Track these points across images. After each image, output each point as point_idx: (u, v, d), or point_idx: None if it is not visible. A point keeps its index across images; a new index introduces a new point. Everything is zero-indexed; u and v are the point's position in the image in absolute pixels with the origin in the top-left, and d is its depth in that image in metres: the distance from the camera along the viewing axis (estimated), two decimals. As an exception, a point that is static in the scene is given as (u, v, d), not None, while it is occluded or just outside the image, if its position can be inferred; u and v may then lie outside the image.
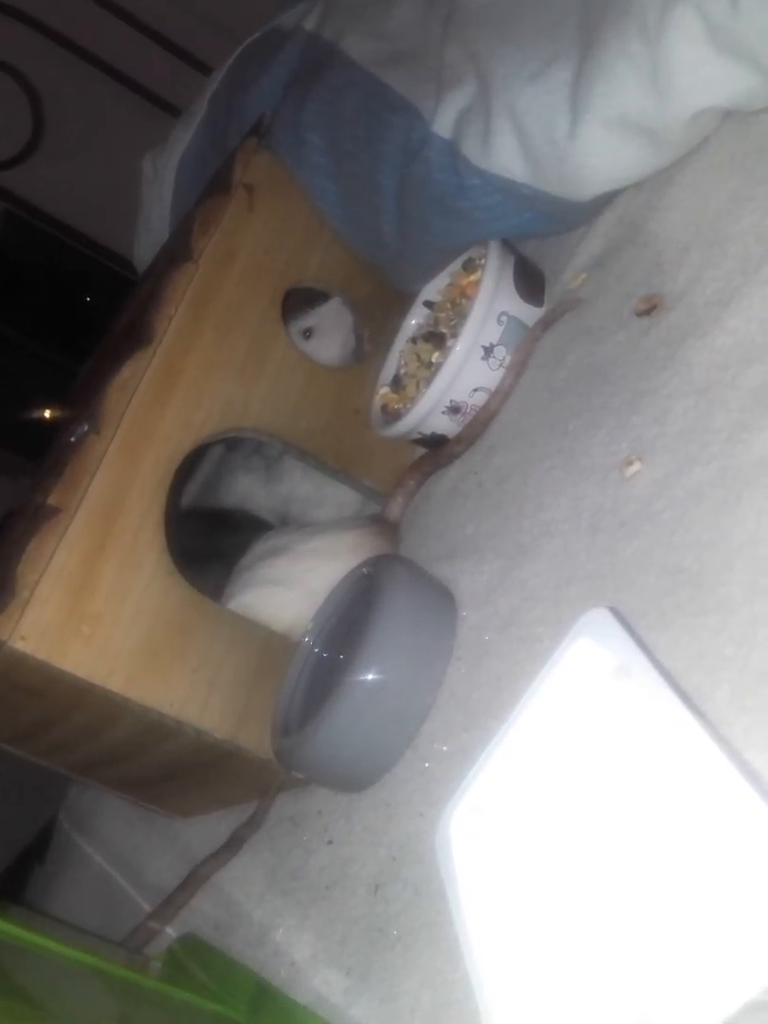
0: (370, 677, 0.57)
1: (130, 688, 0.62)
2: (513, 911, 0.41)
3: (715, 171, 0.60)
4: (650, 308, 0.59)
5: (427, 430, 0.73)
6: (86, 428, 0.65)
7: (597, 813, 0.40)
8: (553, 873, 0.40)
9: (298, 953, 0.59)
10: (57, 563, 0.61)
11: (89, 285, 1.89)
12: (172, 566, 0.66)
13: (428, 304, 0.77)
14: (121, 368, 0.66)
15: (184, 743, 0.65)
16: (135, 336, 0.68)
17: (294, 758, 0.61)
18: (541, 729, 0.44)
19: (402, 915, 0.53)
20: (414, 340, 0.77)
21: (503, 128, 0.64)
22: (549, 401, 0.65)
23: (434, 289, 0.77)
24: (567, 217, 0.68)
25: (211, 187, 0.77)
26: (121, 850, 0.88)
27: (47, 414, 1.84)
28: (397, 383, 0.77)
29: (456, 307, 0.74)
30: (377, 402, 0.77)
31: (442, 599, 0.62)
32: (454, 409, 0.71)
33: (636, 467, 0.54)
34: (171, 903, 0.71)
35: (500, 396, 0.69)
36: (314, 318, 0.84)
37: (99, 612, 0.62)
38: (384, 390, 0.77)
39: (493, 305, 0.69)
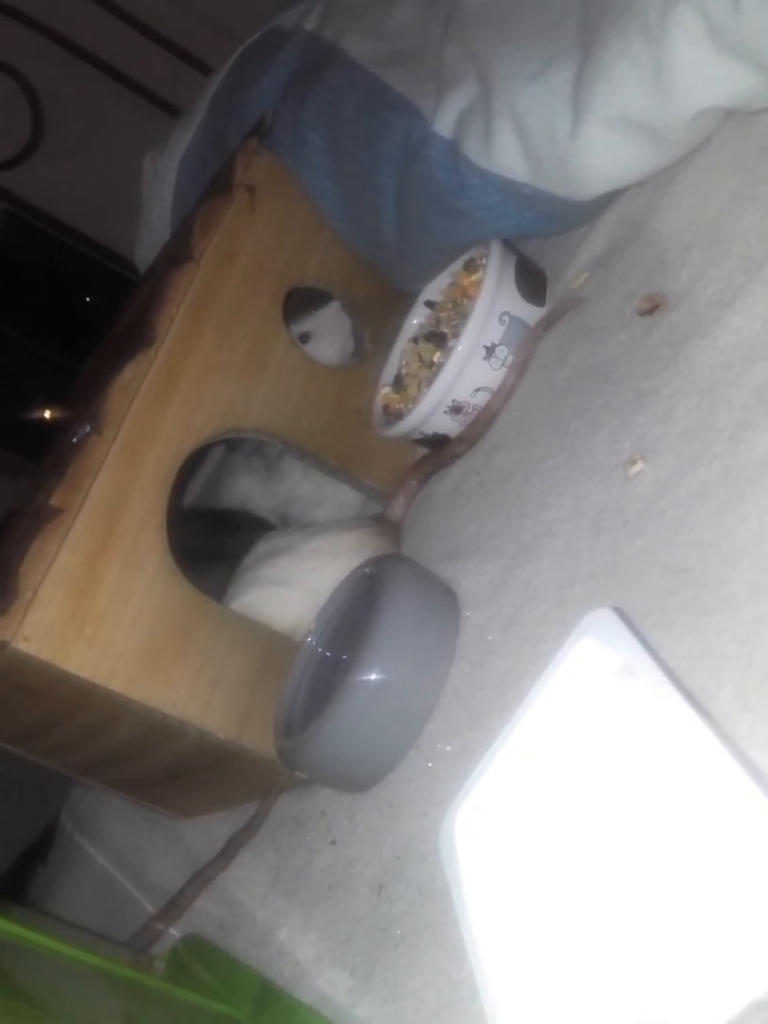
0: (373, 677, 0.57)
1: (133, 689, 0.62)
2: (517, 910, 0.41)
3: (717, 170, 0.60)
4: (652, 307, 0.59)
5: (429, 430, 0.73)
6: (88, 429, 0.65)
7: (601, 812, 0.40)
8: (557, 872, 0.40)
9: (302, 953, 0.59)
10: (59, 564, 0.61)
11: (89, 285, 1.89)
12: (174, 566, 0.66)
13: (429, 304, 0.77)
14: (122, 369, 0.66)
15: (187, 743, 0.65)
16: (136, 337, 0.68)
17: (297, 758, 0.61)
18: (545, 729, 0.44)
19: (406, 915, 0.53)
20: (415, 340, 0.77)
21: (504, 128, 0.64)
22: (551, 401, 0.65)
23: (435, 289, 0.77)
24: (568, 217, 0.68)
25: (212, 187, 0.77)
26: (123, 850, 0.88)
27: (48, 414, 1.84)
28: (398, 383, 0.77)
29: (457, 307, 0.74)
30: (378, 402, 0.77)
31: (445, 599, 0.62)
32: (456, 409, 0.71)
33: (639, 466, 0.54)
34: (175, 904, 0.72)
35: (502, 396, 0.69)
36: (312, 322, 0.84)
37: (102, 613, 0.62)
38: (385, 390, 0.77)
39: (495, 305, 0.69)
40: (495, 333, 0.69)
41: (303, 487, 0.84)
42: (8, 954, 0.60)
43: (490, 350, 0.69)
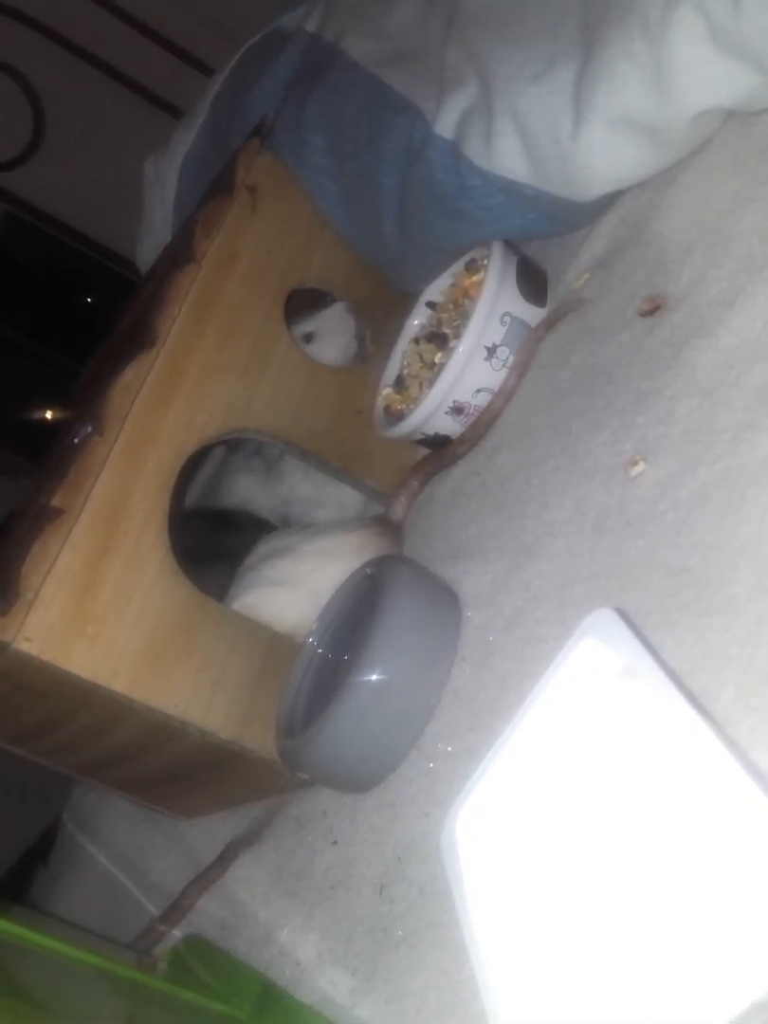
0: (374, 677, 0.57)
1: (134, 689, 0.63)
2: (519, 911, 0.41)
3: (718, 171, 0.60)
4: (654, 308, 0.59)
5: (430, 431, 0.73)
6: (89, 429, 0.65)
7: (603, 813, 0.40)
8: (559, 873, 0.40)
9: (303, 953, 0.59)
10: (61, 564, 0.61)
11: (90, 285, 1.89)
12: (176, 567, 0.66)
13: (430, 305, 0.77)
14: (124, 369, 0.66)
15: (188, 744, 0.65)
16: (138, 337, 0.69)
17: (299, 759, 0.61)
18: (546, 729, 0.44)
19: (407, 915, 0.53)
20: (417, 341, 0.77)
21: (505, 129, 0.64)
22: (553, 401, 0.65)
23: (437, 290, 0.77)
24: (570, 218, 0.68)
25: (213, 188, 0.77)
26: (125, 851, 0.89)
27: (49, 415, 1.84)
28: (400, 384, 0.77)
29: (459, 308, 0.74)
30: (380, 403, 0.77)
31: (446, 599, 0.62)
32: (457, 410, 0.71)
33: (640, 467, 0.54)
34: (178, 906, 0.72)
35: (503, 396, 0.69)
36: (315, 323, 0.84)
37: (103, 613, 0.62)
38: (387, 391, 0.77)
39: (496, 305, 0.69)
40: (496, 334, 0.69)
41: (303, 488, 0.84)
42: (10, 955, 0.60)
43: (491, 351, 0.69)
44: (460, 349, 0.69)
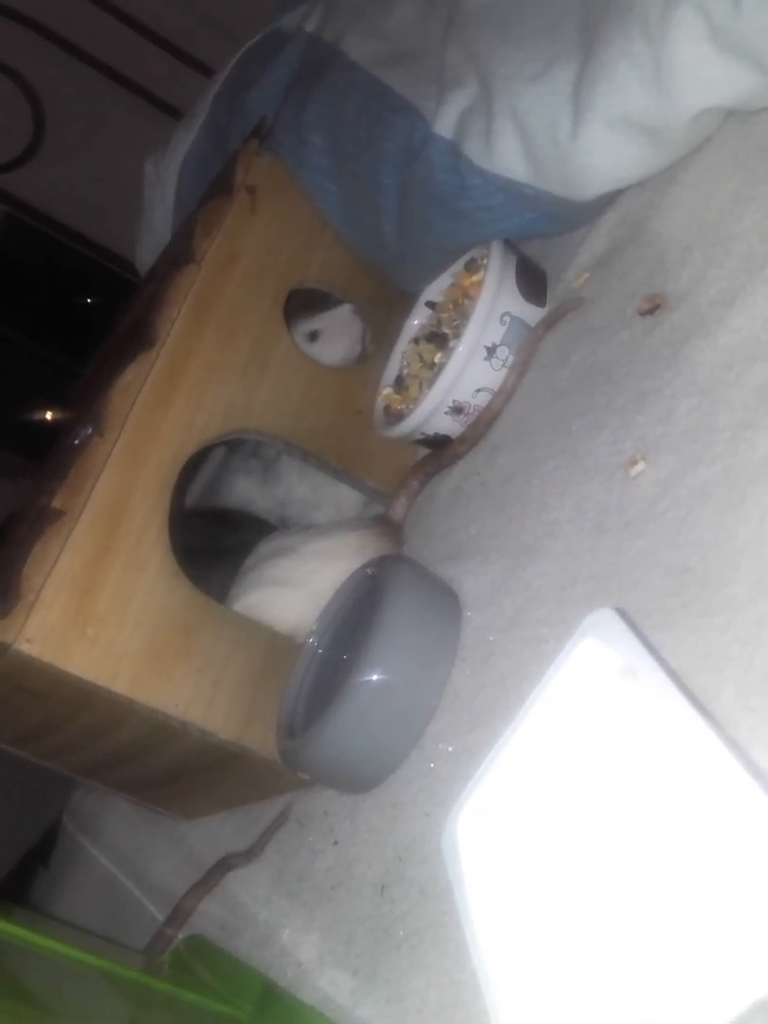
0: (375, 678, 0.57)
1: (135, 690, 0.63)
2: (520, 911, 0.41)
3: (717, 170, 0.60)
4: (653, 307, 0.59)
5: (430, 431, 0.73)
6: (90, 430, 0.65)
7: (603, 813, 0.40)
8: (560, 873, 0.40)
9: (304, 953, 0.59)
10: (62, 566, 0.61)
11: (90, 286, 1.89)
12: (176, 567, 0.66)
13: (430, 304, 0.77)
14: (124, 370, 0.66)
15: (189, 744, 0.65)
16: (138, 338, 0.69)
17: (299, 759, 0.61)
18: (547, 730, 0.44)
19: (408, 915, 0.53)
20: (416, 341, 0.77)
21: (505, 128, 0.64)
22: (552, 401, 0.65)
23: (436, 289, 0.77)
24: (570, 217, 0.68)
25: (213, 189, 0.77)
26: (126, 852, 0.89)
27: (49, 416, 1.84)
28: (400, 384, 0.77)
29: (458, 307, 0.74)
30: (380, 403, 0.77)
31: (446, 600, 0.62)
32: (457, 409, 0.71)
33: (640, 467, 0.54)
34: (181, 909, 0.72)
35: (503, 396, 0.69)
36: (322, 321, 0.84)
37: (104, 614, 0.62)
38: (387, 391, 0.77)
39: (496, 305, 0.69)
40: (496, 333, 0.69)
41: (300, 489, 0.84)
42: (12, 956, 0.60)
43: (491, 350, 0.69)
44: (460, 349, 0.69)
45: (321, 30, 0.83)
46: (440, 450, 0.73)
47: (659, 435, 0.54)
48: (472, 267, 0.74)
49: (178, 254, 0.72)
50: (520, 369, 0.69)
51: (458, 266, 0.75)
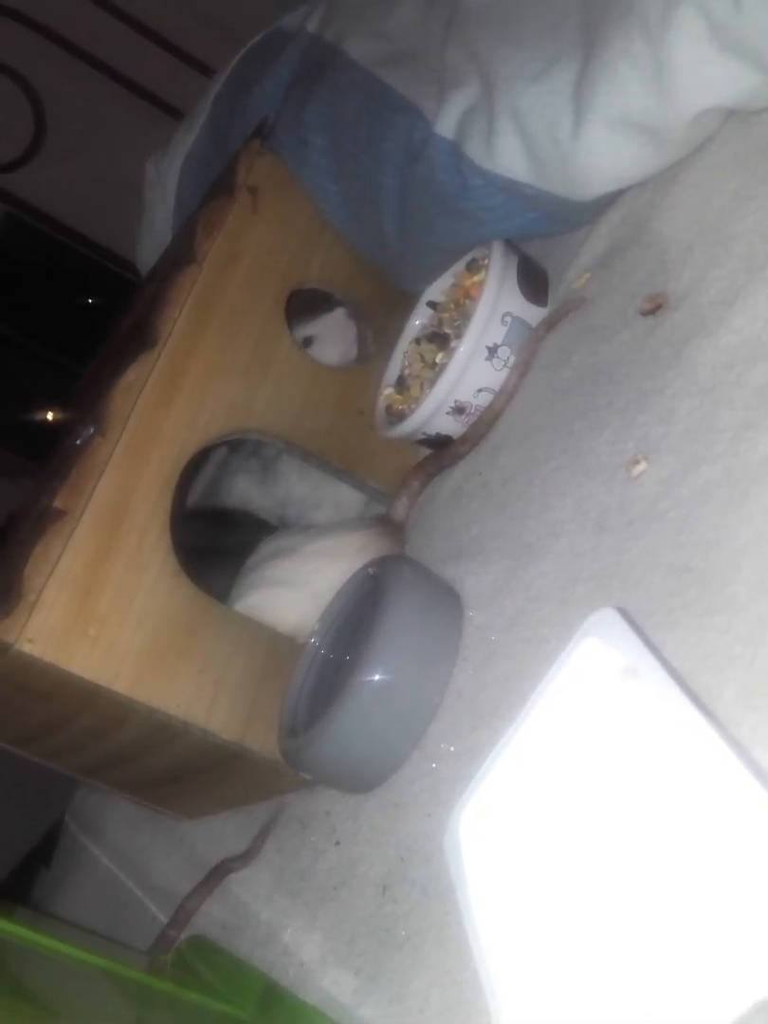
0: (376, 678, 0.57)
1: (136, 689, 0.63)
2: (522, 911, 0.41)
3: (718, 170, 0.60)
4: (655, 307, 0.59)
5: (431, 431, 0.73)
6: (91, 430, 0.65)
7: (605, 813, 0.40)
8: (562, 873, 0.41)
9: (306, 953, 0.59)
10: (64, 566, 0.61)
11: (90, 286, 1.89)
12: (178, 567, 0.66)
13: (432, 305, 0.77)
14: (126, 370, 0.66)
15: (191, 744, 0.65)
16: (139, 338, 0.69)
17: (301, 759, 0.61)
18: (549, 729, 0.44)
19: (410, 915, 0.53)
20: (418, 341, 0.77)
21: (506, 128, 0.64)
22: (554, 401, 0.65)
23: (438, 289, 0.77)
24: (571, 217, 0.68)
25: (214, 189, 0.77)
26: (127, 852, 0.89)
27: (50, 416, 1.84)
28: (401, 384, 0.77)
29: (460, 307, 0.74)
30: (381, 403, 0.77)
31: (448, 600, 0.62)
32: (458, 410, 0.71)
33: (642, 467, 0.54)
34: (184, 909, 0.72)
35: (504, 396, 0.69)
36: (316, 327, 0.84)
37: (105, 614, 0.62)
38: (388, 391, 0.77)
39: (497, 305, 0.69)
40: (497, 334, 0.69)
41: (300, 488, 0.84)
42: (14, 956, 0.60)
43: (492, 351, 0.69)
44: (461, 349, 0.69)
45: (322, 30, 0.83)
46: (442, 450, 0.73)
47: (661, 435, 0.54)
48: (473, 267, 0.74)
49: (179, 254, 0.72)
50: (521, 369, 0.69)
51: (459, 266, 0.75)
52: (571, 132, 0.61)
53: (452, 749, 0.57)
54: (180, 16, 1.82)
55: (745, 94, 0.57)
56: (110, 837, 0.92)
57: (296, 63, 0.82)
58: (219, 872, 0.71)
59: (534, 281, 0.71)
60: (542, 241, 0.74)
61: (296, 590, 0.71)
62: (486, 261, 0.72)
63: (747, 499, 0.47)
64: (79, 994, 0.63)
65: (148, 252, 0.97)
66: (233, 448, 0.89)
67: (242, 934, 0.67)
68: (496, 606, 0.59)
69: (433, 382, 0.71)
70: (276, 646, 0.68)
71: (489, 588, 0.61)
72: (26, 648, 0.59)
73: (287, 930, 0.62)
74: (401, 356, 0.78)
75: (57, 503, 0.62)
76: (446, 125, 0.67)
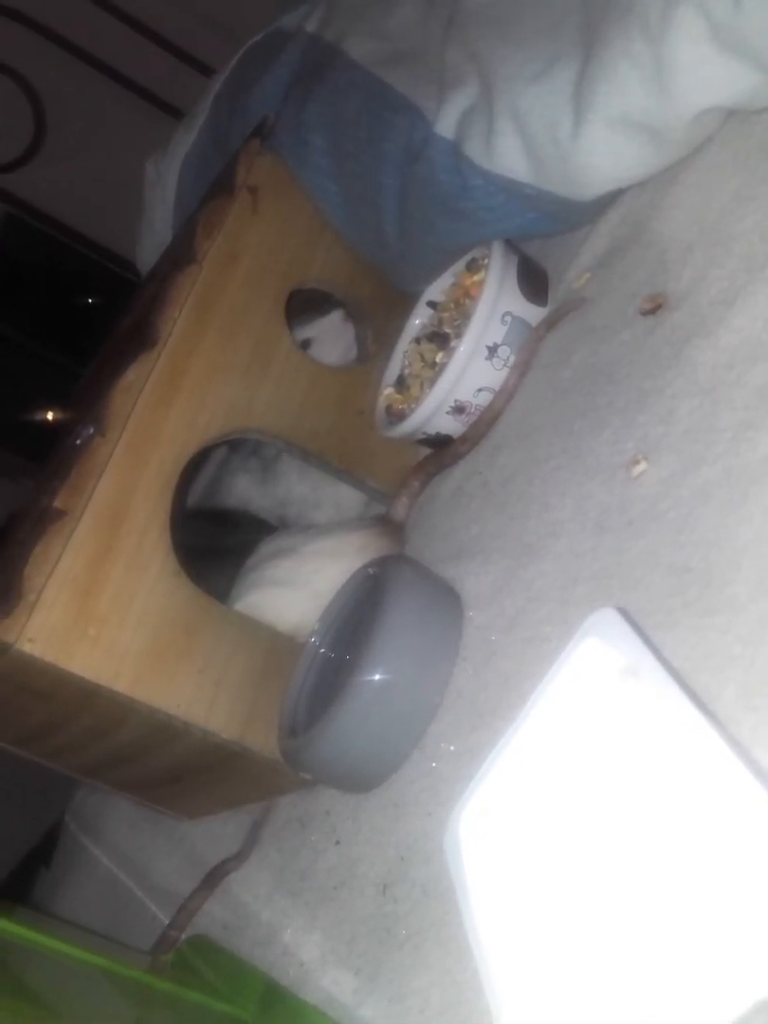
0: (376, 677, 0.57)
1: (137, 689, 0.63)
2: (522, 910, 0.41)
3: (718, 170, 0.60)
4: (655, 307, 0.59)
5: (431, 430, 0.73)
6: (91, 430, 0.65)
7: (605, 813, 0.40)
8: (562, 872, 0.41)
9: (306, 953, 0.59)
10: (64, 566, 0.61)
11: (90, 286, 1.89)
12: (178, 567, 0.66)
13: (431, 304, 0.77)
14: (126, 370, 0.66)
15: (191, 744, 0.65)
16: (139, 338, 0.69)
17: (301, 759, 0.61)
18: (549, 729, 0.44)
19: (410, 915, 0.53)
20: (418, 340, 0.77)
21: (506, 128, 0.64)
22: (554, 401, 0.65)
23: (437, 289, 0.77)
24: (571, 217, 0.68)
25: (214, 189, 0.77)
26: (127, 852, 0.89)
27: (50, 416, 1.84)
28: (401, 383, 0.77)
29: (460, 307, 0.74)
30: (381, 403, 0.77)
31: (448, 599, 0.62)
32: (458, 409, 0.71)
33: (642, 466, 0.54)
34: (185, 909, 0.72)
35: (504, 396, 0.69)
36: (313, 329, 0.84)
37: (105, 614, 0.62)
38: (388, 391, 0.77)
39: (497, 305, 0.69)
40: (497, 333, 0.69)
41: (300, 488, 0.84)
42: (14, 956, 0.60)
43: (492, 350, 0.69)
44: (461, 349, 0.69)
45: (322, 30, 0.83)
46: (442, 450, 0.73)
47: (661, 435, 0.54)
48: (473, 267, 0.74)
49: (179, 254, 0.72)
50: (521, 369, 0.69)
51: (459, 266, 0.76)
52: (571, 132, 0.61)
53: (452, 749, 0.57)
54: (180, 16, 1.82)
55: (745, 94, 0.57)
56: (110, 837, 0.92)
57: (296, 63, 0.82)
58: (218, 873, 0.71)
59: (534, 281, 0.71)
60: (542, 241, 0.74)
61: (296, 590, 0.71)
62: (486, 261, 0.72)
63: (747, 499, 0.47)
64: (80, 994, 0.63)
65: (148, 252, 0.97)
66: (233, 448, 0.89)
67: (243, 934, 0.67)
68: (496, 606, 0.59)
69: (433, 382, 0.71)
70: (276, 646, 0.69)
71: (489, 588, 0.61)
72: (26, 648, 0.59)
73: (287, 930, 0.62)
74: (401, 356, 0.78)
75: (57, 503, 0.62)
76: (446, 125, 0.67)
